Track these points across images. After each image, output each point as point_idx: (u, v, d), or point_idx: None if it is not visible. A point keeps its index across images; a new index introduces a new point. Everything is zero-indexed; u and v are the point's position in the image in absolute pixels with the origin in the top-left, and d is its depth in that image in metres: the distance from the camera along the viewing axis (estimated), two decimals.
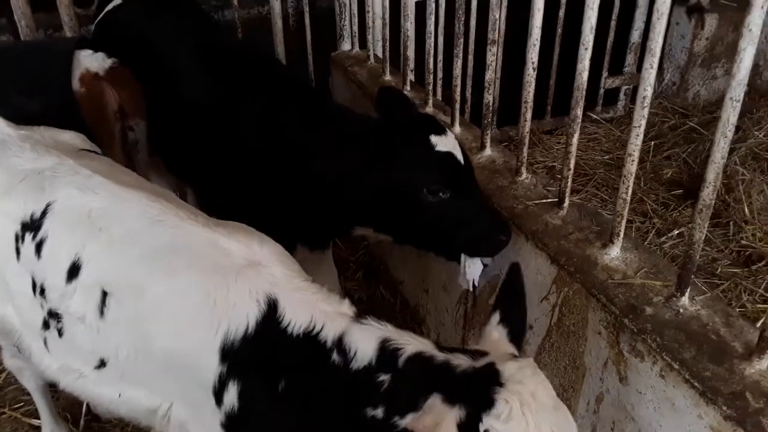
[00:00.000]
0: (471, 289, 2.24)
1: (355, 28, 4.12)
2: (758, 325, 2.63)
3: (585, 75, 2.03)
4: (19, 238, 1.90)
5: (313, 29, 4.31)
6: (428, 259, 3.08)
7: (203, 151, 2.66)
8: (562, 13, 4.49)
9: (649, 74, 1.75)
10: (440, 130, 2.20)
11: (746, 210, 3.67)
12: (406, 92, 3.44)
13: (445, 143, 2.17)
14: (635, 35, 4.90)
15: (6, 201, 1.95)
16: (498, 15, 2.52)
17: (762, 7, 1.40)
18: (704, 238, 1.83)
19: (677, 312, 1.76)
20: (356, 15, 4.04)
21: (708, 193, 1.63)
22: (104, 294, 1.73)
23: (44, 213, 1.86)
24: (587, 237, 2.13)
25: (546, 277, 2.14)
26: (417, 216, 2.19)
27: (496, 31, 2.56)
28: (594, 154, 4.60)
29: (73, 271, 1.77)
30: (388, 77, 3.64)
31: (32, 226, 1.87)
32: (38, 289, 1.87)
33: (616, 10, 4.67)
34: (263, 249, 1.74)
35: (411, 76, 3.50)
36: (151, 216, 1.78)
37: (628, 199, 1.94)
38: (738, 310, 3.14)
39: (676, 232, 3.70)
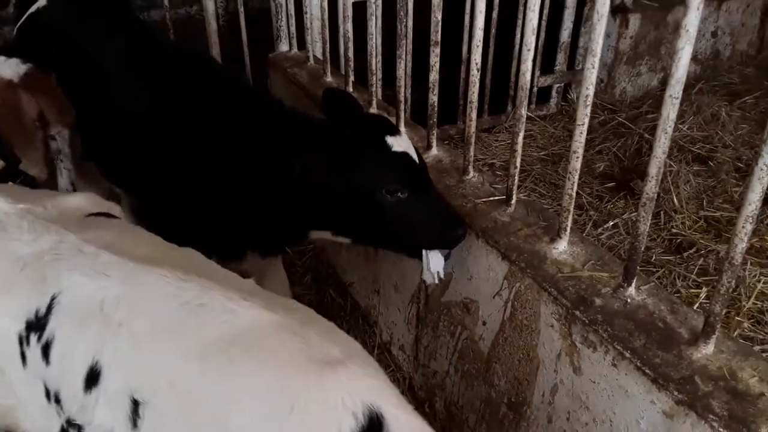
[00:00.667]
0: (437, 281, 2.29)
1: (293, 28, 4.07)
2: (695, 307, 2.78)
3: (528, 75, 2.08)
4: (23, 341, 1.58)
5: (248, 29, 4.22)
6: (378, 259, 3.08)
7: (148, 158, 2.56)
8: (495, 14, 4.60)
9: (591, 74, 1.81)
10: (394, 130, 2.22)
11: (675, 200, 3.86)
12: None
13: (400, 143, 2.19)
14: (564, 35, 5.07)
15: (7, 297, 1.62)
16: (439, 16, 2.55)
17: (698, 8, 1.47)
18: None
19: (625, 302, 1.83)
20: (293, 15, 3.99)
21: (651, 187, 1.70)
22: (135, 403, 1.40)
23: (49, 308, 1.55)
24: (535, 232, 2.19)
25: (498, 273, 2.18)
26: (376, 217, 2.20)
27: (438, 33, 2.58)
28: (531, 151, 4.72)
29: (92, 378, 1.46)
30: (329, 78, 3.61)
31: (37, 325, 1.56)
32: (53, 398, 1.56)
33: (545, 11, 4.81)
34: (349, 345, 1.42)
35: (352, 77, 3.49)
36: (186, 300, 1.44)
37: (574, 194, 2.00)
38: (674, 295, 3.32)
39: (611, 223, 3.86)
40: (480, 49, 2.31)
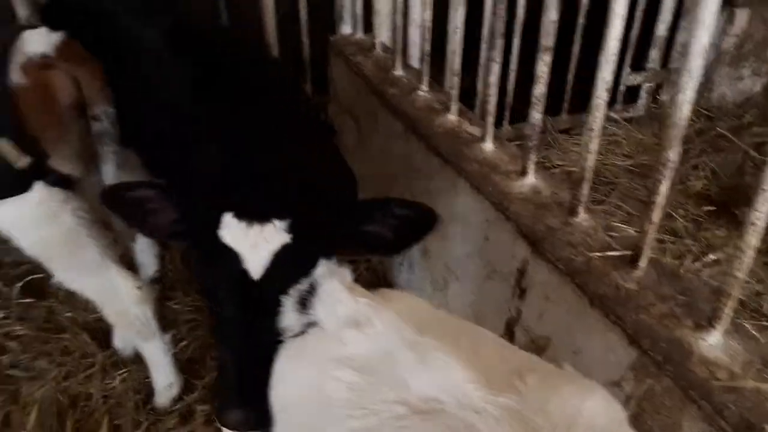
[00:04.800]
0: None
1: (358, 8, 3.57)
2: None
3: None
4: None
5: (310, 7, 3.75)
6: (449, 287, 2.65)
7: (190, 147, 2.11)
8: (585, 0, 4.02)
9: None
10: (261, 216, 1.51)
11: None
12: (423, 92, 2.94)
13: (240, 239, 1.51)
14: (661, 28, 4.44)
15: None
16: (553, 17, 2.04)
17: None
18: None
19: None
20: None
21: None
22: None
23: None
24: (673, 311, 1.71)
25: (621, 359, 1.71)
26: None
27: (551, 36, 2.08)
28: (615, 159, 4.17)
29: None
30: (399, 72, 3.13)
31: None
32: None
33: (643, 0, 4.21)
34: None
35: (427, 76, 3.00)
36: None
37: (743, 277, 1.52)
38: None
39: (712, 257, 3.33)
40: (611, 65, 1.81)
